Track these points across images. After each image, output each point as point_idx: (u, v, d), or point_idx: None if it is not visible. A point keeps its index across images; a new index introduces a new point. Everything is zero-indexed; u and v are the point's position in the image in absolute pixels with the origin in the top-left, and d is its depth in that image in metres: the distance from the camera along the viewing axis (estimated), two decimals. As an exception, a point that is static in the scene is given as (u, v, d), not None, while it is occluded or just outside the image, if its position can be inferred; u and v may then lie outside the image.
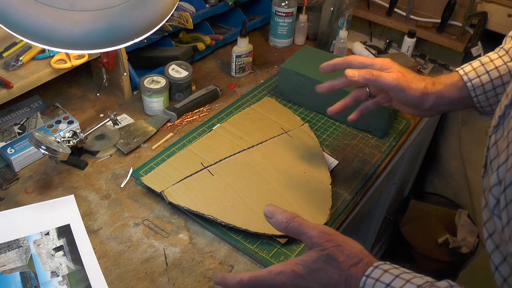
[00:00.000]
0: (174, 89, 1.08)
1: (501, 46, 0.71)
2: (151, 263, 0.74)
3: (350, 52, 1.37)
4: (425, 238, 1.66)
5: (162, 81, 1.04)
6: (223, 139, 0.95)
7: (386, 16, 1.44)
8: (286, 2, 1.29)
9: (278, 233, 0.76)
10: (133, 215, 0.82)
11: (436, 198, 1.77)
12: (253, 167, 0.88)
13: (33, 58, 0.94)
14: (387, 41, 1.40)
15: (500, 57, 0.69)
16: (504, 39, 0.72)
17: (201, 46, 1.21)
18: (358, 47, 1.36)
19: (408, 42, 1.32)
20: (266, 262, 0.74)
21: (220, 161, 0.88)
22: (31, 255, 0.73)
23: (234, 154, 0.90)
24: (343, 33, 1.25)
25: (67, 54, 0.95)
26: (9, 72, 0.90)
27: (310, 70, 1.06)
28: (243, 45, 1.17)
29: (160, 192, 0.81)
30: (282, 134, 0.97)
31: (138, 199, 0.85)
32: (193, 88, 1.14)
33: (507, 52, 0.69)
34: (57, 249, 0.75)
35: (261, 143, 0.94)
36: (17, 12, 0.52)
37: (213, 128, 0.99)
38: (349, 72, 0.73)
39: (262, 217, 0.77)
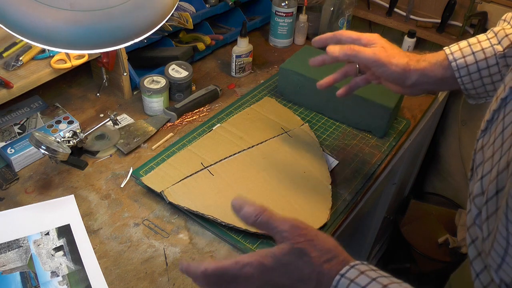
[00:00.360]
0: (174, 89, 1.08)
1: (492, 28, 0.70)
2: (151, 263, 0.74)
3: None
4: (425, 238, 1.66)
5: (162, 81, 1.04)
6: (223, 139, 0.95)
7: (386, 16, 1.44)
8: (286, 2, 1.29)
9: None
10: (133, 215, 0.82)
11: (436, 198, 1.77)
12: (253, 167, 0.88)
13: (33, 58, 0.94)
14: (387, 41, 1.39)
15: (488, 39, 0.68)
16: (498, 21, 0.71)
17: (201, 46, 1.21)
18: (358, 47, 1.36)
19: (408, 42, 1.32)
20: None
21: (220, 161, 0.88)
22: (31, 255, 0.73)
23: (234, 154, 0.90)
24: (343, 33, 1.25)
25: (67, 54, 0.95)
26: (9, 72, 0.90)
27: (310, 70, 1.06)
28: (243, 45, 1.17)
29: (160, 192, 0.81)
30: (282, 134, 0.97)
31: (138, 199, 0.85)
32: (193, 88, 1.14)
33: (496, 35, 0.68)
34: (57, 249, 0.75)
35: (261, 143, 0.94)
36: (17, 12, 0.52)
37: (213, 128, 0.99)
38: (330, 49, 0.71)
39: None
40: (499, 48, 0.66)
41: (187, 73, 1.08)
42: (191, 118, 1.05)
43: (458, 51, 0.69)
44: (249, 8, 1.45)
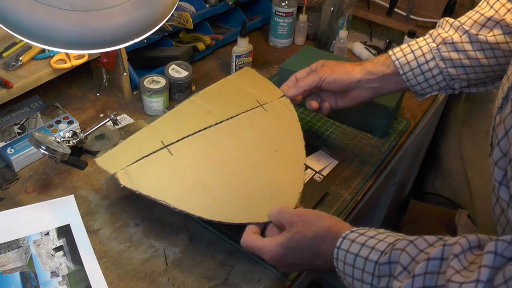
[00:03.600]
0: (174, 89, 1.08)
1: (428, 31, 0.81)
2: (151, 263, 0.74)
3: (350, 52, 1.37)
4: (425, 238, 1.65)
5: (162, 81, 1.04)
6: (189, 114, 0.83)
7: (386, 16, 1.44)
8: (286, 2, 1.29)
9: (233, 221, 0.70)
10: (133, 215, 0.82)
11: (436, 198, 1.77)
12: (219, 145, 0.79)
13: (33, 58, 0.94)
14: (387, 41, 1.40)
15: (424, 39, 0.79)
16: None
17: (201, 46, 1.21)
18: (358, 47, 1.36)
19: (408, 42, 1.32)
20: (266, 262, 0.74)
21: (182, 139, 0.78)
22: (31, 255, 0.73)
23: (199, 131, 0.79)
24: (343, 33, 1.25)
25: (67, 54, 0.95)
26: (9, 72, 0.90)
27: (310, 70, 1.06)
28: (243, 45, 1.17)
29: (113, 174, 0.72)
30: (256, 107, 0.86)
31: (138, 199, 0.84)
32: (193, 88, 1.14)
33: (430, 35, 0.79)
34: (57, 249, 0.75)
35: (231, 117, 0.83)
36: (17, 12, 0.52)
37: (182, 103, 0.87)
38: (289, 93, 0.88)
39: (222, 203, 0.72)
40: (433, 44, 0.77)
41: (187, 73, 1.08)
42: (191, 118, 1.05)
43: (400, 51, 0.79)
44: (249, 8, 1.45)
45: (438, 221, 1.70)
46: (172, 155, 0.75)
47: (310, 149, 0.96)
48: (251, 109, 0.85)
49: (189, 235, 0.79)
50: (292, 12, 1.31)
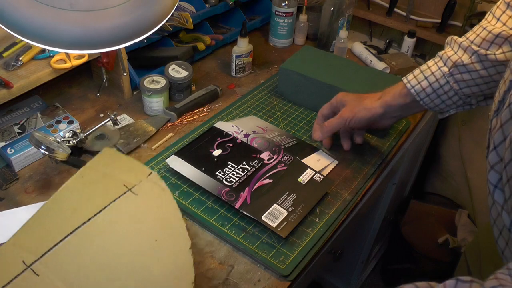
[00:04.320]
0: (174, 89, 1.08)
1: (438, 53, 0.81)
2: (151, 263, 0.74)
3: (350, 52, 1.37)
4: (425, 238, 1.66)
5: (162, 81, 1.04)
6: (51, 219, 0.69)
7: (386, 16, 1.44)
8: (286, 2, 1.29)
9: None
10: (133, 215, 0.81)
11: (436, 198, 1.77)
12: (91, 251, 0.67)
13: (33, 58, 0.94)
14: (387, 41, 1.40)
15: (435, 63, 0.80)
16: (445, 45, 0.81)
17: (201, 46, 1.21)
18: (358, 47, 1.36)
19: (408, 42, 1.32)
20: (266, 262, 0.74)
21: (47, 252, 0.64)
22: (31, 255, 0.73)
23: (66, 237, 0.66)
24: (343, 33, 1.25)
25: (67, 54, 0.95)
26: (9, 72, 0.90)
27: (310, 70, 1.06)
28: (243, 45, 1.17)
29: None
30: (125, 193, 0.74)
31: (138, 199, 0.84)
32: (193, 88, 1.14)
33: (441, 58, 0.79)
34: (57, 249, 0.74)
35: (100, 212, 0.70)
36: (17, 12, 0.52)
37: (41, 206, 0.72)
38: (319, 138, 0.96)
39: None
40: (445, 69, 0.78)
41: (187, 73, 1.08)
42: (191, 118, 1.05)
43: (414, 79, 0.82)
44: (249, 8, 1.46)
45: (438, 221, 1.70)
46: (38, 275, 0.62)
47: (310, 149, 0.96)
48: (119, 196, 0.73)
49: (189, 235, 0.79)
50: (292, 12, 1.31)
